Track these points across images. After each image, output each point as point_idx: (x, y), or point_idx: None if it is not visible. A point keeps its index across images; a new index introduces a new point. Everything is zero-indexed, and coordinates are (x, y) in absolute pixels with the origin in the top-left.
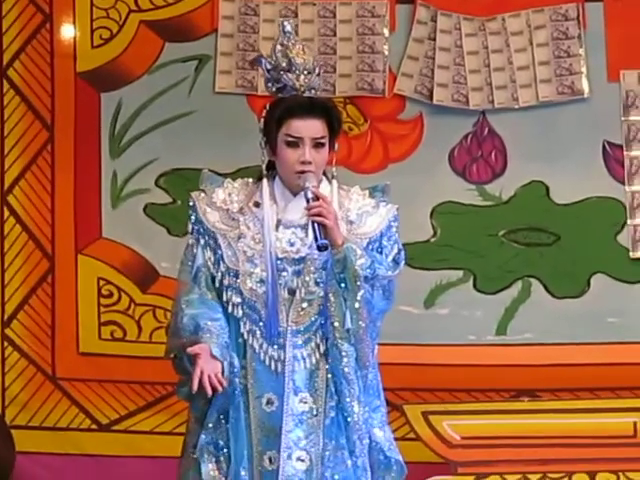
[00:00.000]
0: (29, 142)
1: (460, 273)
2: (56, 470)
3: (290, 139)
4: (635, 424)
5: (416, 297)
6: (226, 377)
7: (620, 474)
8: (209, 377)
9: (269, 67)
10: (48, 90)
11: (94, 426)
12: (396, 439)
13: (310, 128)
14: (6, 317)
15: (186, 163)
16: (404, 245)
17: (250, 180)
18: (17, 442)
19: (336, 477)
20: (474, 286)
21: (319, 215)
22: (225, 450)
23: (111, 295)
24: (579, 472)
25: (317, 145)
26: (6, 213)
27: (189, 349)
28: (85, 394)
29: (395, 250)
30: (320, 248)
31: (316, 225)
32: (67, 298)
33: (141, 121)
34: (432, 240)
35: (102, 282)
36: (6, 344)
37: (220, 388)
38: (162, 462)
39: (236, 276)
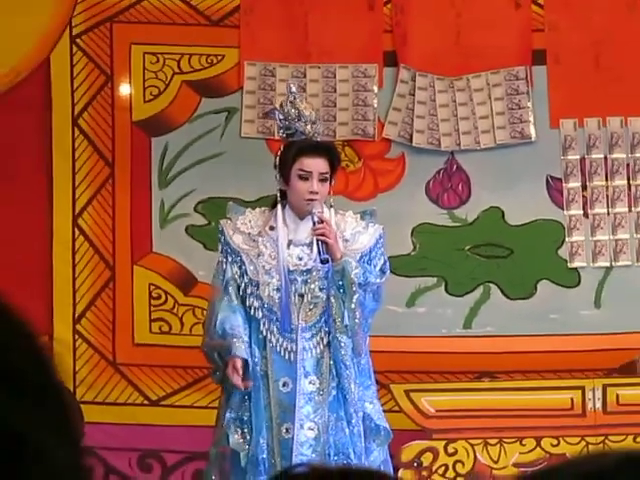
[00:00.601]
0: (95, 176)
1: (434, 280)
2: (116, 436)
3: (302, 173)
4: (572, 399)
5: (399, 299)
6: (249, 377)
7: (560, 439)
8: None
9: (282, 117)
10: (110, 135)
11: (146, 402)
12: (384, 411)
13: (318, 165)
14: (77, 315)
15: (218, 193)
16: (390, 257)
17: (266, 209)
18: (85, 415)
19: (337, 442)
20: (445, 290)
21: (323, 235)
22: (248, 423)
23: (159, 297)
24: (528, 437)
25: (322, 179)
26: (77, 233)
27: (228, 373)
28: (139, 376)
29: (381, 261)
30: (323, 261)
31: (320, 242)
32: (125, 300)
33: (183, 160)
34: (412, 253)
35: (152, 287)
36: (77, 337)
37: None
38: (199, 430)
39: (257, 286)
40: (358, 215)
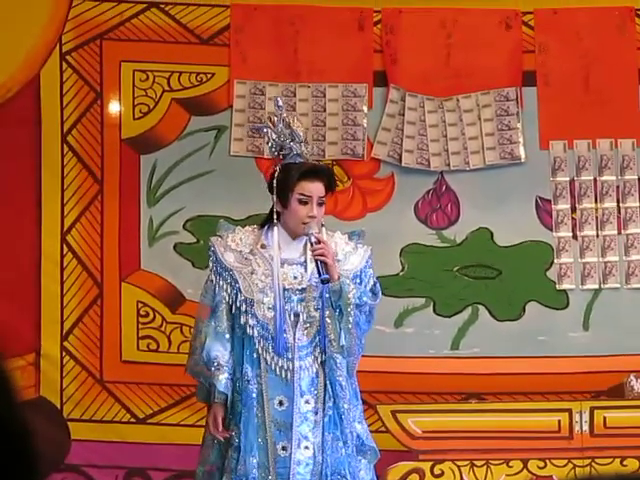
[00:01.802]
0: (83, 193)
1: (423, 300)
2: (103, 454)
3: (303, 198)
4: (559, 421)
5: (388, 319)
6: (230, 417)
7: (547, 461)
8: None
9: (274, 136)
10: (99, 152)
11: (133, 419)
12: (370, 431)
13: (317, 189)
14: (64, 332)
15: (207, 211)
16: (378, 277)
17: (255, 227)
18: (72, 432)
19: (334, 462)
20: (434, 310)
21: (322, 255)
22: (236, 442)
23: (147, 315)
24: (515, 459)
25: (320, 203)
26: (65, 249)
27: (208, 422)
28: (126, 394)
29: (371, 282)
30: (323, 281)
31: (320, 263)
32: (113, 317)
33: (172, 177)
34: (401, 274)
35: (140, 304)
36: (64, 354)
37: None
38: (186, 448)
39: (251, 304)
40: (346, 235)
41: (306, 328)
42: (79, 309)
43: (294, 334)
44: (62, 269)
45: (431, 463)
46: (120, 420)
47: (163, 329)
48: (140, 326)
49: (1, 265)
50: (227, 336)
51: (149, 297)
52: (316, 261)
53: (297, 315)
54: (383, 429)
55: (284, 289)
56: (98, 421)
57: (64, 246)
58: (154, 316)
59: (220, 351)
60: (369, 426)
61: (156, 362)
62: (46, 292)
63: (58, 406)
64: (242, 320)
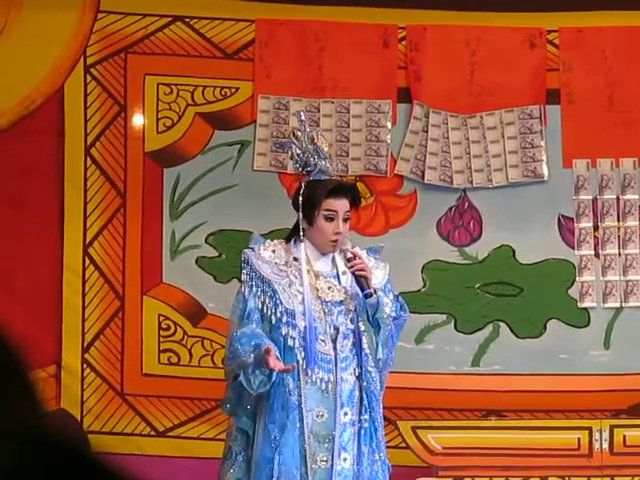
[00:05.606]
0: (106, 206)
1: (444, 317)
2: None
3: (329, 214)
4: (579, 439)
5: (409, 335)
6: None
7: (566, 479)
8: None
9: (299, 151)
10: (122, 165)
11: (153, 432)
12: (390, 447)
13: (343, 205)
14: (86, 345)
15: (230, 225)
16: (399, 293)
17: (282, 241)
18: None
19: (370, 474)
20: (455, 327)
21: (361, 270)
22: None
23: (169, 328)
24: (534, 477)
25: (345, 219)
26: (87, 262)
27: (264, 348)
28: (146, 407)
29: (392, 296)
30: (367, 296)
31: (361, 278)
32: (134, 330)
33: (195, 191)
34: (422, 290)
35: (162, 318)
36: (85, 366)
37: (290, 368)
38: (206, 462)
39: (293, 315)
40: (364, 251)
41: (345, 340)
42: (100, 322)
43: (334, 347)
44: (84, 282)
45: (451, 479)
46: (140, 433)
47: (184, 343)
48: (161, 339)
49: (23, 277)
50: (260, 331)
51: (171, 310)
52: (356, 277)
53: (336, 328)
54: (403, 445)
55: (325, 301)
56: (118, 434)
57: (86, 259)
58: (175, 329)
59: (265, 337)
60: (389, 442)
61: (177, 375)
62: (68, 304)
63: (78, 418)
64: (283, 331)
